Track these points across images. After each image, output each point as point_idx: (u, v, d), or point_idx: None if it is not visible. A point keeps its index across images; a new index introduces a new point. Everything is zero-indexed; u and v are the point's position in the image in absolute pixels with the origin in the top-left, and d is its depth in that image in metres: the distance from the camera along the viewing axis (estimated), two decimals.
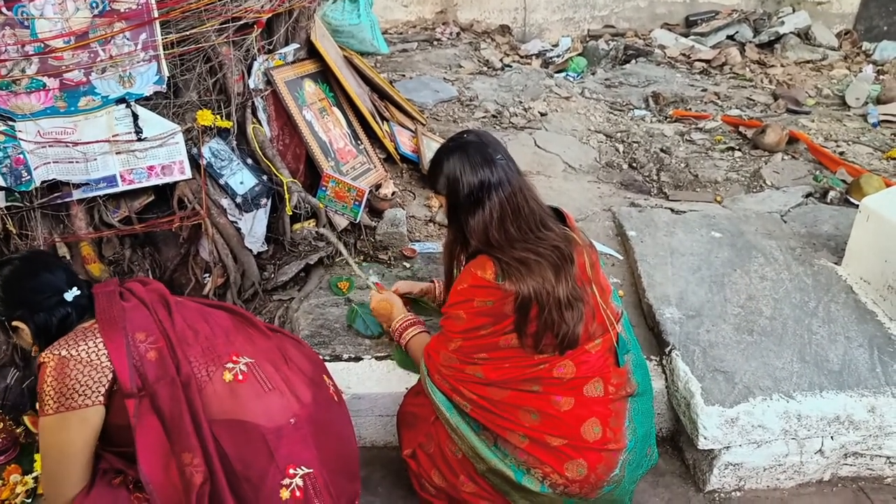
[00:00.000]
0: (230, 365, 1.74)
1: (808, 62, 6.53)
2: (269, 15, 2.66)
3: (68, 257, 2.55)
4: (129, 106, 2.39)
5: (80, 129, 2.37)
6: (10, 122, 2.28)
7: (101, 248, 2.60)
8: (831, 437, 2.28)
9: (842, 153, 4.32)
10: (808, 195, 3.71)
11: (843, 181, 3.85)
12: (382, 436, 2.40)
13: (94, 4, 2.23)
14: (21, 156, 2.32)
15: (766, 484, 2.33)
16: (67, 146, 2.36)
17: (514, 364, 1.79)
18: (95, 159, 2.41)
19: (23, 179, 2.35)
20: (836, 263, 2.93)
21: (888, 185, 3.55)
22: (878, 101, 5.27)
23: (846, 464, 2.36)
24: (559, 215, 1.94)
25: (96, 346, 1.66)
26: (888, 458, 2.35)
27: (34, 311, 1.75)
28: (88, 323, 1.76)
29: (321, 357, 2.11)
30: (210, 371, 1.71)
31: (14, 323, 1.76)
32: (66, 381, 1.61)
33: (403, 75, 5.37)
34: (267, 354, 1.84)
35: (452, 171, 1.80)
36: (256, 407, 1.70)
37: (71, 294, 1.78)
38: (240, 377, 1.73)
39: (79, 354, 1.64)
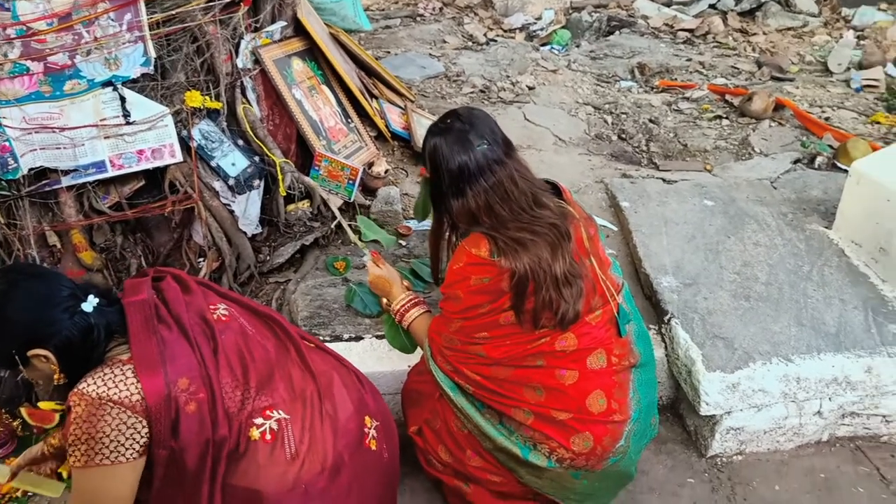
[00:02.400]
0: (260, 420, 1.58)
1: (789, 29, 6.53)
2: None
3: (59, 246, 2.51)
4: (115, 89, 2.35)
5: (67, 114, 2.32)
6: None
7: (92, 235, 2.57)
8: (829, 399, 2.31)
9: (827, 118, 4.34)
10: (797, 161, 3.73)
11: (830, 146, 3.87)
12: None
13: None
14: (7, 143, 2.28)
15: (766, 447, 2.37)
16: (54, 132, 2.32)
17: (515, 341, 1.77)
18: (83, 145, 2.37)
19: (9, 167, 2.30)
20: (826, 227, 2.96)
21: (874, 149, 3.58)
22: (860, 66, 5.29)
23: (844, 424, 2.40)
24: (555, 189, 1.93)
25: (138, 390, 1.44)
26: (884, 416, 2.39)
27: (50, 330, 1.46)
28: (125, 356, 1.49)
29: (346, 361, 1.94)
30: (242, 427, 1.56)
31: (33, 352, 1.47)
32: (100, 428, 1.40)
33: (388, 52, 5.31)
34: (303, 407, 1.66)
35: (434, 156, 1.79)
36: (269, 473, 1.56)
37: (90, 304, 1.51)
38: (267, 437, 1.57)
39: (118, 398, 1.42)
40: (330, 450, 1.64)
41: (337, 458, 1.65)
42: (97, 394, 1.41)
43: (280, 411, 1.61)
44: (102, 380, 1.43)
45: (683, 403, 2.44)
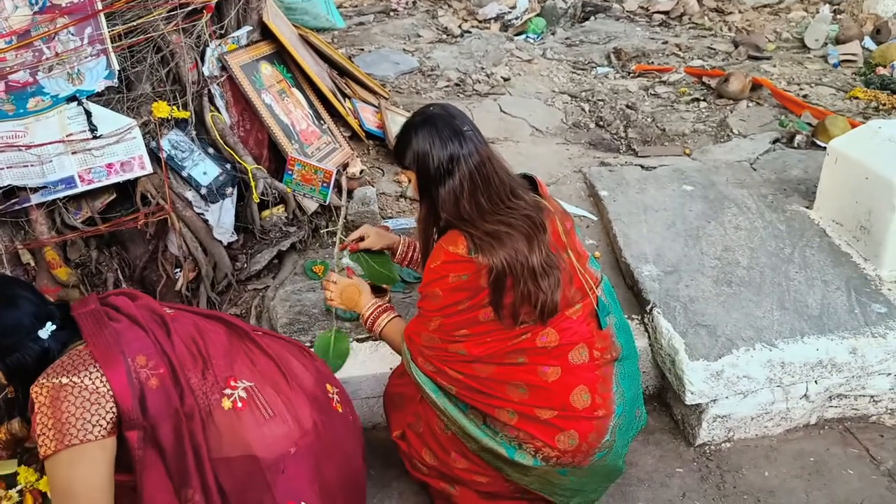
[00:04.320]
0: (228, 391, 1.62)
1: (765, 6, 6.50)
2: None
3: (32, 264, 2.48)
4: (80, 103, 2.31)
5: (32, 132, 2.28)
6: None
7: (66, 251, 2.53)
8: (815, 382, 2.31)
9: (805, 96, 4.34)
10: (776, 141, 3.72)
11: (809, 124, 3.87)
12: (369, 417, 2.38)
13: (33, 1, 2.14)
14: None
15: (754, 433, 2.37)
16: (20, 150, 2.28)
17: (496, 337, 1.77)
18: (51, 161, 2.33)
19: None
20: (807, 207, 2.95)
21: (853, 126, 3.57)
22: (837, 41, 5.29)
23: (831, 406, 2.40)
24: (532, 182, 1.91)
25: (97, 370, 1.49)
26: (872, 397, 2.39)
27: (3, 354, 1.56)
28: (81, 346, 1.56)
29: (304, 343, 2.04)
30: (211, 399, 1.60)
31: None
32: (64, 409, 1.44)
33: (362, 49, 5.26)
34: (267, 374, 1.72)
35: (421, 145, 1.77)
36: (256, 437, 1.60)
37: (46, 331, 1.59)
38: (239, 404, 1.62)
39: (79, 380, 1.46)
40: (307, 411, 1.71)
41: (314, 417, 1.72)
42: (57, 380, 1.46)
43: (244, 381, 1.67)
44: (62, 367, 1.49)
45: (669, 393, 2.43)
